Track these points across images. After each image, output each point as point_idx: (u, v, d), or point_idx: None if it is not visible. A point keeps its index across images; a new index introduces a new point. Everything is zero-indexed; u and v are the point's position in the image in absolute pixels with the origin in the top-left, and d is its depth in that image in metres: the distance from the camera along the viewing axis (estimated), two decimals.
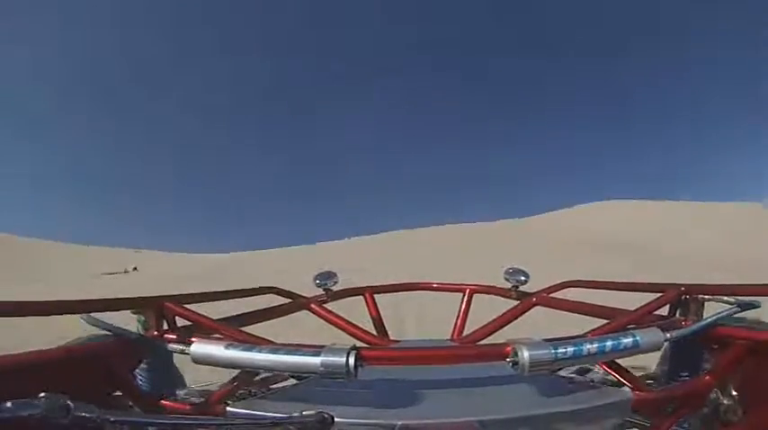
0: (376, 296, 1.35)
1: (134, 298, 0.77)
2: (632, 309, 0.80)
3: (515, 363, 0.57)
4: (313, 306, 1.17)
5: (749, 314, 0.74)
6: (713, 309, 0.77)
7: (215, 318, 0.82)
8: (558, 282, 1.24)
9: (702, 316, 0.80)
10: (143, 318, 0.77)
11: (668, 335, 0.66)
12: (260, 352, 0.58)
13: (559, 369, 0.70)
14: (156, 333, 0.76)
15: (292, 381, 0.79)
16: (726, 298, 0.76)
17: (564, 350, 0.58)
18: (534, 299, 1.11)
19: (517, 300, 1.24)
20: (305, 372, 0.57)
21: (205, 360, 0.61)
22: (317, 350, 0.57)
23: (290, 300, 1.21)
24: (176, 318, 0.81)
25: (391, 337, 1.18)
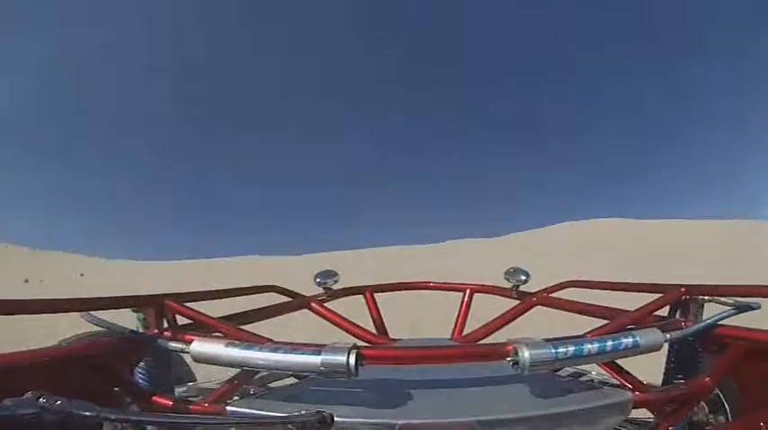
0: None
1: (135, 296, 0.77)
2: (631, 309, 0.80)
3: (516, 363, 0.57)
4: (313, 304, 1.17)
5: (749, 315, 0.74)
6: (713, 310, 0.77)
7: (215, 316, 0.82)
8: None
9: (702, 317, 0.80)
10: (143, 316, 0.76)
11: (668, 335, 0.66)
12: (260, 350, 0.58)
13: (560, 369, 0.70)
14: (156, 331, 0.76)
15: (292, 380, 0.79)
16: (725, 299, 0.76)
17: (564, 350, 0.58)
18: (534, 298, 1.11)
19: (517, 299, 1.24)
20: (305, 372, 0.57)
21: (205, 358, 0.61)
22: (317, 349, 0.57)
23: (290, 299, 1.21)
24: (177, 316, 0.81)
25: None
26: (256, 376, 0.79)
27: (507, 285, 1.29)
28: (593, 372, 0.94)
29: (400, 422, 0.55)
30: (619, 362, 0.68)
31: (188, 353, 0.63)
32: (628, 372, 0.68)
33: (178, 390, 0.90)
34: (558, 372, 0.76)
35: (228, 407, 0.62)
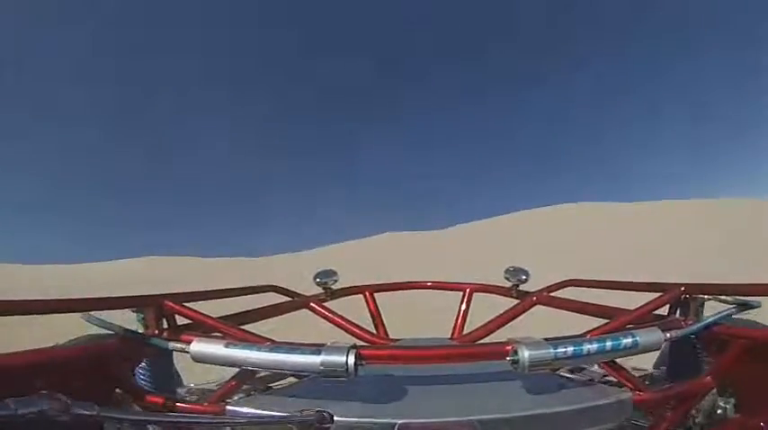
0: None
1: (134, 296, 0.77)
2: (631, 308, 0.80)
3: (515, 362, 0.57)
4: (312, 304, 1.17)
5: (749, 314, 0.74)
6: (713, 309, 0.77)
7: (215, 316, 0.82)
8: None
9: (702, 315, 0.80)
10: (143, 316, 0.77)
11: (668, 334, 0.66)
12: (260, 350, 0.58)
13: (559, 368, 0.70)
14: (156, 331, 0.76)
15: (292, 379, 0.79)
16: (726, 297, 0.76)
17: (564, 349, 0.58)
18: (534, 298, 1.11)
19: (517, 298, 1.24)
20: (305, 371, 0.58)
21: (205, 358, 0.61)
22: (317, 349, 0.57)
23: (290, 299, 1.21)
24: (176, 316, 0.81)
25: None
26: (256, 376, 0.79)
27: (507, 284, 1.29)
28: (592, 371, 0.94)
29: (400, 421, 0.56)
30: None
31: (188, 353, 0.63)
32: (627, 371, 0.68)
33: (178, 391, 0.91)
34: (558, 371, 0.76)
35: (228, 407, 0.62)
